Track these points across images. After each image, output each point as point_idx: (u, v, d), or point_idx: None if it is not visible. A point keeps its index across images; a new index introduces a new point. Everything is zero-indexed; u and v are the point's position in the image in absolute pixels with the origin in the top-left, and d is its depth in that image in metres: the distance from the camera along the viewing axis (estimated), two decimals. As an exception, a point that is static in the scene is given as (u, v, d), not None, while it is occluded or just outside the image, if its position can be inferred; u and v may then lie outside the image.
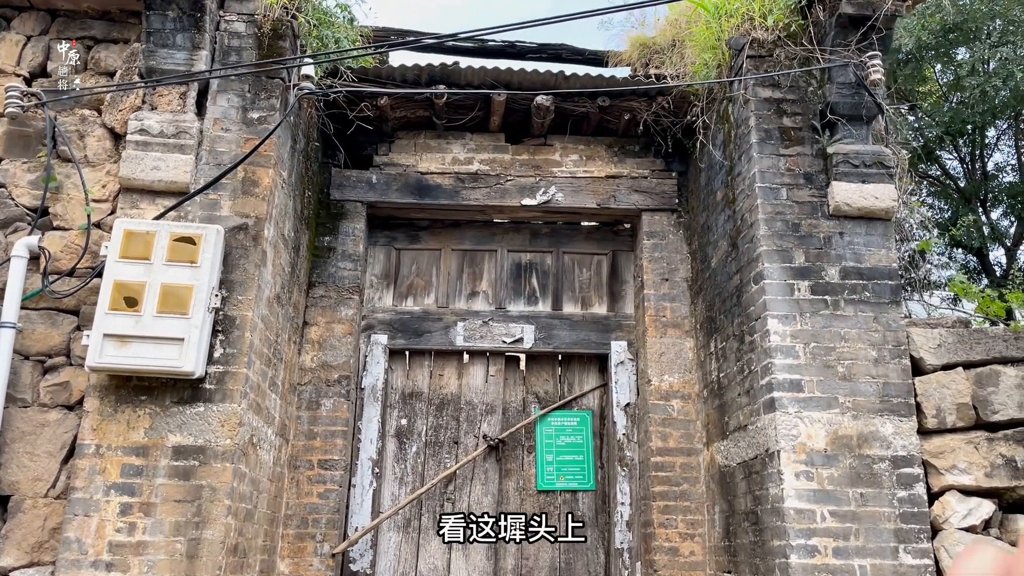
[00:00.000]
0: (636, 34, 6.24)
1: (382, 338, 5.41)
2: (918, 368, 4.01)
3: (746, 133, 4.40)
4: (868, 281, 4.10)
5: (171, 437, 3.68)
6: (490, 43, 7.04)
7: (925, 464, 3.85)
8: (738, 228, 4.47)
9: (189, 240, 3.73)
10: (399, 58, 7.57)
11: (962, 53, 11.38)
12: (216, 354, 3.79)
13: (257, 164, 4.07)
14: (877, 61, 4.15)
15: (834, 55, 4.27)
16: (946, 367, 4.01)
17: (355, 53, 4.75)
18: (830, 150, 4.24)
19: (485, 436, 5.35)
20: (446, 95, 5.14)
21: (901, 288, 4.11)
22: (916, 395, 3.94)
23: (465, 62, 5.37)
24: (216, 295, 3.76)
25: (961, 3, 10.90)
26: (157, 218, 3.89)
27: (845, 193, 4.16)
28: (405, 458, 5.32)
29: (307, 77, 4.25)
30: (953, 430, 3.92)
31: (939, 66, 12.13)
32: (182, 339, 3.60)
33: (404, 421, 5.39)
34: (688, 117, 5.18)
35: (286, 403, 4.69)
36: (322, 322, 5.12)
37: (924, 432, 3.90)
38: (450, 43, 6.92)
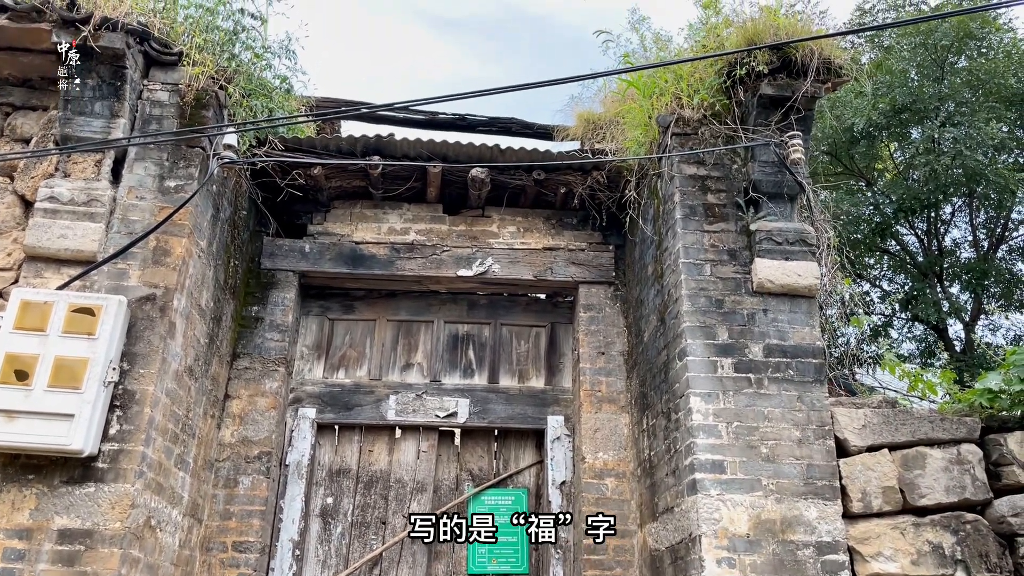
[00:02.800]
0: (583, 110, 6.33)
1: (310, 412, 5.24)
2: (843, 449, 3.91)
3: (672, 209, 4.39)
4: (792, 359, 4.03)
5: (57, 519, 3.47)
6: (441, 116, 7.13)
7: (851, 550, 3.71)
8: (665, 303, 4.42)
9: (88, 311, 3.60)
10: (350, 128, 7.59)
11: (916, 132, 11.66)
12: (112, 431, 3.62)
13: (171, 233, 3.98)
14: (797, 141, 4.19)
15: (756, 134, 4.31)
16: (871, 448, 3.91)
17: (282, 123, 4.74)
18: (753, 227, 4.23)
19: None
20: (381, 166, 5.13)
21: (825, 367, 4.05)
22: (841, 477, 3.83)
23: (401, 133, 5.38)
24: (114, 368, 3.61)
25: (911, 85, 11.23)
26: (60, 288, 3.76)
27: (768, 270, 4.13)
28: (330, 539, 5.09)
29: (229, 146, 4.21)
30: (879, 514, 3.80)
31: (895, 144, 12.42)
32: (73, 415, 3.44)
33: (330, 500, 5.18)
34: (624, 191, 5.19)
35: (199, 481, 4.48)
36: (245, 395, 4.95)
37: (849, 516, 3.77)
38: (401, 115, 7.00)
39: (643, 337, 4.88)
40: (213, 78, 4.41)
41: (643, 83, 4.91)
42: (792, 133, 4.20)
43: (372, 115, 6.81)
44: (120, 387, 3.69)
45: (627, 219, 5.22)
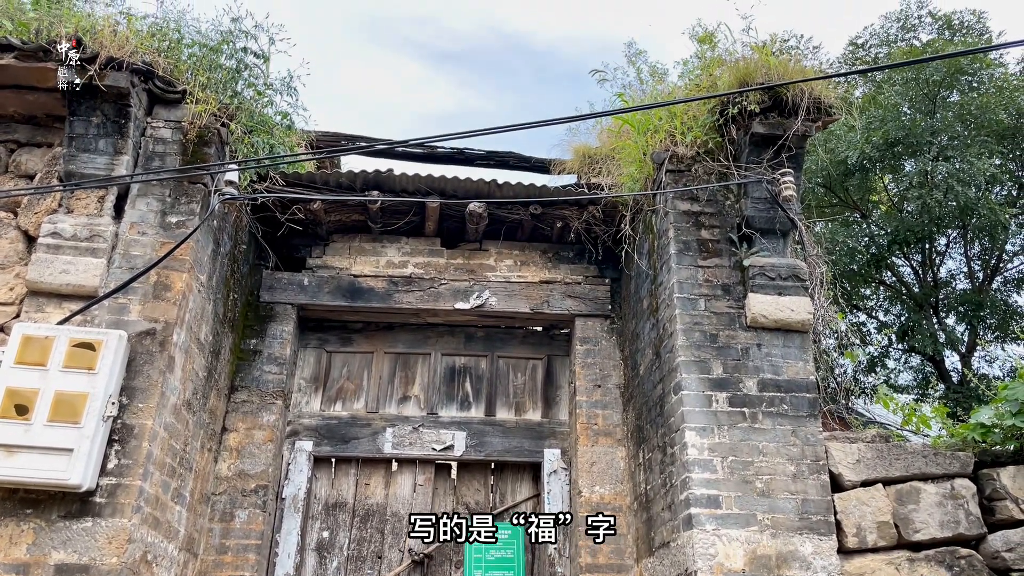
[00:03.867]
0: (579, 143, 6.41)
1: (307, 445, 5.25)
2: (837, 484, 3.93)
3: (666, 244, 4.46)
4: (786, 394, 4.07)
5: (54, 554, 3.47)
6: (439, 150, 7.22)
7: (846, 586, 3.72)
8: (660, 337, 4.47)
9: (89, 346, 3.63)
10: (350, 162, 7.67)
11: (909, 165, 11.78)
12: (110, 465, 3.63)
13: (171, 268, 4.03)
14: (789, 178, 4.26)
15: (749, 171, 4.38)
16: (866, 483, 3.93)
17: (283, 160, 4.80)
18: (746, 262, 4.29)
19: (411, 550, 5.12)
20: (379, 200, 5.20)
21: (818, 401, 4.08)
22: (836, 512, 3.84)
23: (400, 167, 5.47)
24: (113, 403, 3.64)
25: (904, 119, 11.37)
26: (61, 323, 3.80)
27: (761, 305, 4.18)
28: (325, 574, 5.07)
29: (230, 183, 4.27)
30: (874, 550, 3.81)
31: (888, 177, 12.54)
32: (72, 450, 3.46)
33: (326, 534, 5.17)
34: (620, 226, 5.25)
35: (195, 515, 4.48)
36: (242, 428, 4.97)
37: (844, 552, 3.79)
38: (400, 149, 7.09)
39: (639, 370, 4.92)
40: (215, 115, 4.49)
41: (638, 121, 5.01)
42: (784, 170, 4.28)
43: (372, 149, 6.93)
44: (119, 421, 3.71)
45: (623, 253, 5.28)
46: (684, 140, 4.62)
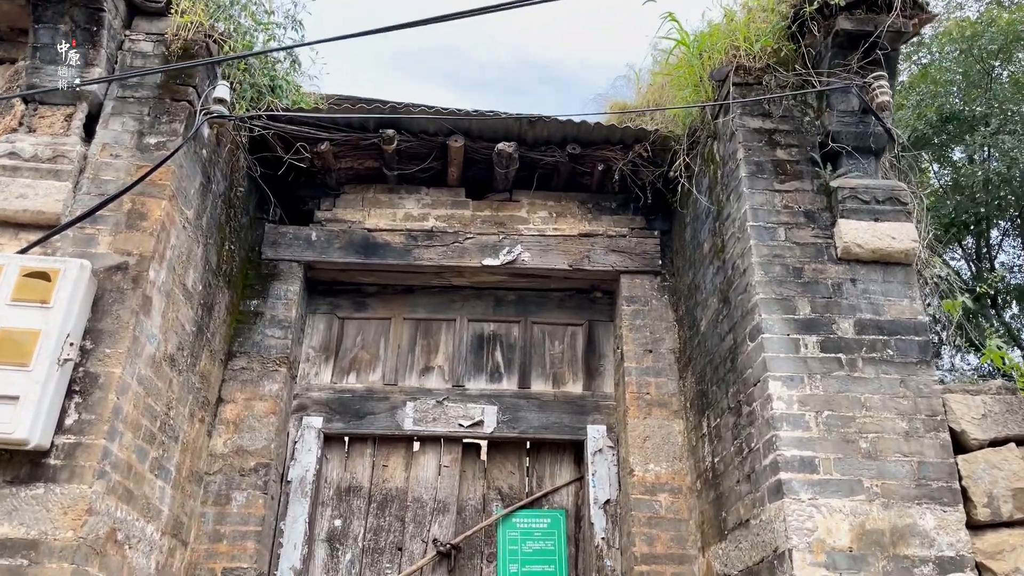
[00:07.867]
0: (616, 100, 5.76)
1: (316, 421, 4.58)
2: (960, 444, 3.18)
3: (734, 168, 3.76)
4: (890, 337, 3.33)
5: (-2, 527, 2.82)
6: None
7: (979, 567, 2.96)
8: (729, 279, 3.75)
9: (43, 276, 3.01)
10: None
11: (958, 153, 11.03)
12: (68, 420, 2.98)
13: (149, 194, 3.41)
14: (884, 82, 3.56)
15: (832, 78, 3.68)
16: (994, 443, 3.18)
17: (279, 49, 4.17)
18: (834, 184, 3.58)
19: (435, 541, 4.42)
20: (396, 141, 4.56)
21: (931, 345, 3.34)
22: (961, 478, 3.10)
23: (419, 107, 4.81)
24: (72, 344, 2.99)
25: (958, 93, 10.65)
26: (21, 253, 3.18)
27: (855, 233, 3.46)
28: (337, 568, 4.37)
29: (220, 100, 3.65)
30: (1010, 523, 3.05)
31: (936, 165, 11.77)
32: (17, 397, 2.81)
33: (338, 522, 4.48)
34: (672, 163, 4.55)
35: (184, 495, 3.82)
36: (240, 399, 4.31)
37: (973, 526, 3.03)
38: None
39: (699, 327, 4.20)
40: (208, 35, 3.88)
41: (693, 40, 4.34)
42: (877, 74, 3.58)
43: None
44: (81, 369, 3.06)
45: (675, 198, 4.59)
46: (751, 51, 3.94)
